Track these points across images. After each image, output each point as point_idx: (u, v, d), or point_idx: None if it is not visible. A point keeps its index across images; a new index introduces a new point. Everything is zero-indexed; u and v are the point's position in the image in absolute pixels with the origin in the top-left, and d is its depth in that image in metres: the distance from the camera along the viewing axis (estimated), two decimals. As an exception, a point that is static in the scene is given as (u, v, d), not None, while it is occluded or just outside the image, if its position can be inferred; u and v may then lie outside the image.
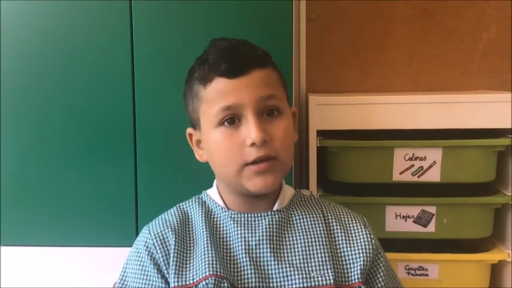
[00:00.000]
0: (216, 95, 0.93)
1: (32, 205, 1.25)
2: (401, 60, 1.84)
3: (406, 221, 1.48)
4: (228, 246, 0.96)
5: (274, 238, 0.96)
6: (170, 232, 0.97)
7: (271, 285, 0.92)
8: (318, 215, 1.01)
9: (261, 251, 0.94)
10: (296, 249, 0.96)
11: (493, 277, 1.52)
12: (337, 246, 0.98)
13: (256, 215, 0.98)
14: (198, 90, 0.96)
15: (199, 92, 0.96)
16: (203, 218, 0.99)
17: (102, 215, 1.25)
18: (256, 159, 0.91)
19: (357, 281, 0.95)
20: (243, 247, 0.94)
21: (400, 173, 1.47)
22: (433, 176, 1.45)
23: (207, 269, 0.91)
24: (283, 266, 0.93)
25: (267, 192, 0.95)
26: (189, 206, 1.04)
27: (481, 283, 1.50)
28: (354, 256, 0.97)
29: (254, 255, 0.94)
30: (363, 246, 0.98)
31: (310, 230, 0.98)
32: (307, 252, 0.95)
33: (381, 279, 0.98)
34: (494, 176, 1.49)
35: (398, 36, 1.82)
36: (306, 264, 0.94)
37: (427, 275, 1.50)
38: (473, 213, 1.47)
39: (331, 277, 0.93)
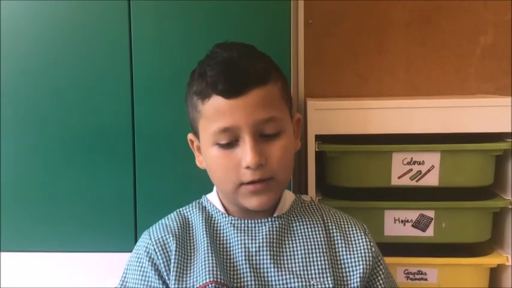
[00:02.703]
0: (213, 113, 0.91)
1: (31, 211, 1.25)
2: (399, 65, 1.84)
3: (404, 225, 1.48)
4: (228, 252, 0.95)
5: (274, 245, 0.96)
6: (171, 237, 0.97)
7: (270, 291, 0.92)
8: (318, 222, 1.01)
9: (261, 257, 0.94)
10: (296, 256, 0.95)
11: (492, 281, 1.52)
12: (337, 254, 0.98)
13: (256, 221, 0.98)
14: (196, 102, 0.95)
15: (197, 105, 0.95)
16: (203, 224, 0.99)
17: (101, 220, 1.25)
18: (251, 181, 0.91)
19: (356, 288, 0.95)
20: (243, 253, 0.94)
21: (399, 178, 1.47)
22: (432, 180, 1.46)
23: (207, 276, 0.90)
24: (283, 272, 0.93)
25: (262, 209, 0.95)
26: (190, 211, 1.04)
27: (480, 287, 1.50)
28: (353, 264, 0.96)
29: (254, 261, 0.94)
30: (363, 254, 0.98)
31: (310, 236, 0.98)
32: (307, 259, 0.95)
33: (380, 287, 0.98)
34: (493, 180, 1.49)
35: (396, 41, 1.83)
36: (305, 272, 0.94)
37: (426, 279, 1.50)
38: (472, 217, 1.47)
39: (330, 284, 0.93)
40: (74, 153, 1.24)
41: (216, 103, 0.91)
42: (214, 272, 0.91)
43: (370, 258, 0.98)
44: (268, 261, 0.94)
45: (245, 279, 0.92)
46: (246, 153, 0.89)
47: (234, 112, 0.90)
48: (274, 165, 0.92)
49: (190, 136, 1.03)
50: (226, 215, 1.00)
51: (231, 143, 0.92)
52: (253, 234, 0.96)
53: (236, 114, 0.90)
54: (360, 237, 1.00)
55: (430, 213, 1.47)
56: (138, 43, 1.20)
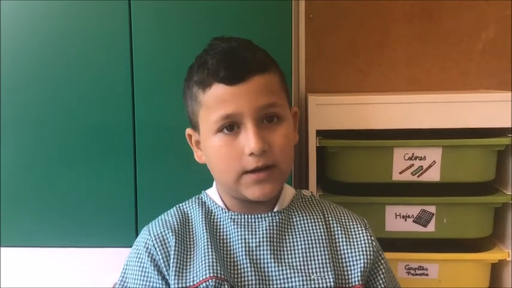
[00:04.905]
0: (215, 101, 0.91)
1: (31, 206, 1.25)
2: (400, 60, 1.84)
3: (406, 220, 1.48)
4: (228, 248, 0.95)
5: (275, 240, 0.95)
6: (170, 233, 0.96)
7: (271, 287, 0.91)
8: (318, 216, 1.01)
9: (261, 252, 0.94)
10: (296, 251, 0.95)
11: (493, 276, 1.52)
12: (338, 248, 0.98)
13: (256, 216, 0.97)
14: (196, 93, 0.95)
15: (198, 96, 0.95)
16: (203, 219, 0.99)
17: (101, 215, 1.25)
18: (255, 168, 0.90)
19: (357, 283, 0.94)
20: (243, 248, 0.94)
21: (400, 173, 1.47)
22: (433, 175, 1.46)
23: (207, 271, 0.90)
24: (284, 267, 0.93)
25: (265, 200, 0.95)
26: (189, 206, 1.03)
27: (481, 282, 1.50)
28: (354, 258, 0.96)
29: (254, 256, 0.94)
30: (364, 248, 0.97)
31: (311, 231, 0.98)
32: (308, 254, 0.95)
33: (381, 282, 0.98)
34: (494, 175, 1.49)
35: (397, 36, 1.82)
36: (306, 266, 0.94)
37: (427, 274, 1.50)
38: (473, 212, 1.47)
39: (331, 279, 0.92)
40: (74, 149, 1.23)
41: (217, 91, 0.91)
42: (214, 268, 0.91)
43: (371, 253, 0.97)
44: (269, 256, 0.94)
45: (245, 274, 0.92)
46: (249, 139, 0.89)
47: (236, 99, 0.90)
48: (277, 152, 0.92)
49: (188, 131, 1.03)
50: (226, 210, 0.99)
51: (233, 131, 0.91)
52: (254, 229, 0.96)
53: (238, 101, 0.90)
54: (360, 232, 1.00)
55: (432, 209, 1.47)
56: (138, 42, 1.20)
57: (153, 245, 0.95)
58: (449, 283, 1.49)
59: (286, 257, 0.94)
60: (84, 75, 1.22)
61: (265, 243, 0.94)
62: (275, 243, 0.95)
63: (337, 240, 0.98)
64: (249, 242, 0.95)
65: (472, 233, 1.49)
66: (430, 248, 1.49)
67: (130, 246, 1.02)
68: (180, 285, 0.91)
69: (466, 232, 1.48)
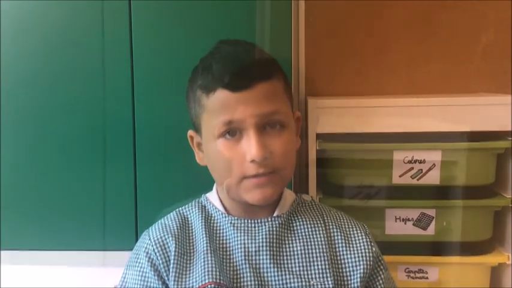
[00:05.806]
0: (218, 107, 0.91)
1: (31, 209, 1.25)
2: (400, 63, 1.83)
3: (405, 223, 1.48)
4: (228, 252, 0.95)
5: (274, 245, 0.95)
6: (170, 238, 0.96)
7: (270, 292, 0.92)
8: (318, 221, 1.01)
9: (261, 257, 0.94)
10: (296, 256, 0.95)
11: (493, 280, 1.52)
12: (337, 253, 0.98)
13: (256, 221, 0.97)
14: (200, 97, 0.95)
15: (201, 100, 0.95)
16: (203, 223, 0.98)
17: (102, 219, 1.25)
18: (256, 174, 0.91)
19: (356, 288, 0.95)
20: (243, 253, 0.94)
21: (400, 176, 1.46)
22: (433, 178, 1.45)
23: (206, 277, 0.90)
24: (283, 273, 0.93)
25: (265, 204, 0.95)
26: (189, 210, 1.03)
27: (481, 286, 1.50)
28: (354, 264, 0.96)
29: (254, 261, 0.94)
30: (363, 254, 0.97)
31: (311, 236, 0.98)
32: (307, 260, 0.95)
33: None
34: (494, 179, 1.49)
35: (396, 39, 1.82)
36: (305, 272, 0.94)
37: (427, 277, 1.50)
38: (473, 215, 1.47)
39: (330, 284, 0.93)
40: (74, 151, 1.24)
41: (221, 96, 0.91)
42: (213, 273, 0.90)
43: (371, 258, 0.97)
44: (268, 261, 0.93)
45: (245, 279, 0.92)
46: (251, 146, 0.89)
47: (239, 105, 0.90)
48: (278, 159, 0.92)
49: (190, 133, 1.03)
50: (226, 215, 0.99)
51: (235, 136, 0.92)
52: (253, 234, 0.96)
53: (241, 108, 0.90)
54: (360, 237, 1.00)
55: (431, 212, 1.47)
56: (138, 42, 1.20)
57: (153, 250, 0.95)
58: (450, 286, 1.49)
59: (285, 262, 0.94)
60: (84, 75, 1.22)
61: (264, 248, 0.94)
62: (275, 248, 0.95)
63: (336, 246, 0.98)
64: (248, 247, 0.95)
65: (472, 236, 1.49)
66: (430, 251, 1.48)
67: (131, 249, 1.02)
68: (179, 290, 0.92)
69: (465, 235, 1.48)
